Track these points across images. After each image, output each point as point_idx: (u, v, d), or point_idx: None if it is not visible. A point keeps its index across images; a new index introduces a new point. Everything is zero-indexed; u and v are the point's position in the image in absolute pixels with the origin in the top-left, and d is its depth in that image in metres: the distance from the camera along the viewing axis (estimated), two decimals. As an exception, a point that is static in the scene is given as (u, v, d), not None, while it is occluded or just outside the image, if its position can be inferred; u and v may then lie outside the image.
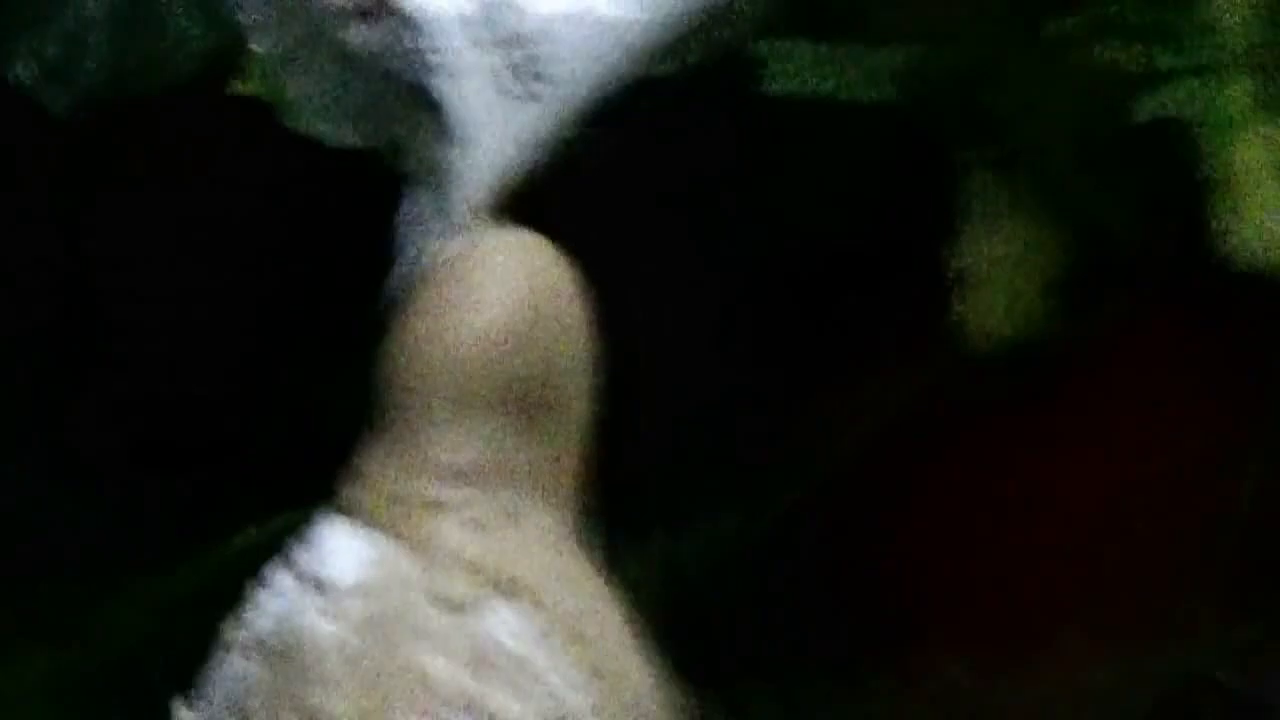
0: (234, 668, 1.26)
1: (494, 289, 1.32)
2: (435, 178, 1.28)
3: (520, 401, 1.26)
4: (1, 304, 2.67)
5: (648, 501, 2.39)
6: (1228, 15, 2.29)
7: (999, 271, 2.30)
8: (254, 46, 1.89)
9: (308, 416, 2.52)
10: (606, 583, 1.29)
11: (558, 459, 1.32)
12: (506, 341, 1.29)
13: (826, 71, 2.30)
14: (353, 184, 2.24)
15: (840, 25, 2.34)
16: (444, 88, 1.32)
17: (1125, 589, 2.44)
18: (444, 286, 1.33)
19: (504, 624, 1.23)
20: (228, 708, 1.25)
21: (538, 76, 1.33)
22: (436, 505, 1.24)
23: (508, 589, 1.23)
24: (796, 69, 2.28)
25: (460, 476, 1.24)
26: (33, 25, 2.29)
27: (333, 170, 2.20)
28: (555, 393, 1.31)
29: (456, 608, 1.23)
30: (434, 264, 1.34)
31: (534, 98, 1.32)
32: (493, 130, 1.30)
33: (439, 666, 1.21)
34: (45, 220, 2.72)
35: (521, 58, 1.34)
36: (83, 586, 2.43)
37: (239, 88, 2.15)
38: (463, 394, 1.24)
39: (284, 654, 1.24)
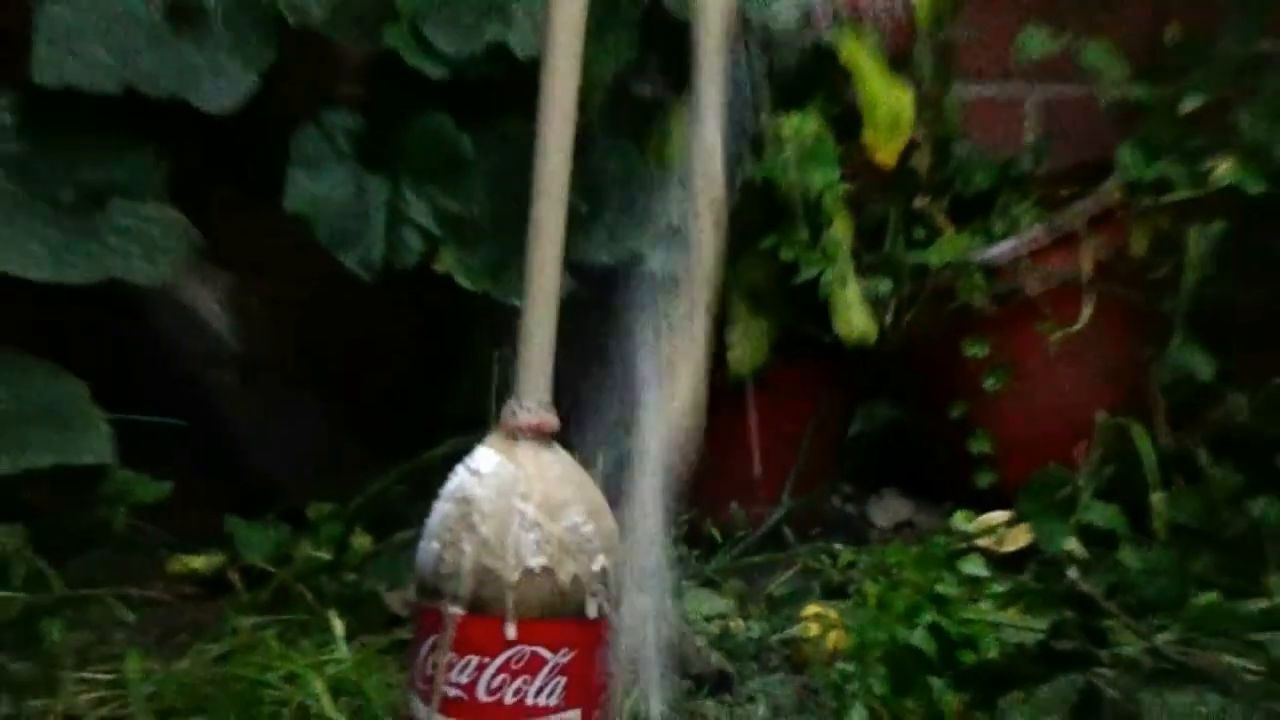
0: (441, 509, 1.84)
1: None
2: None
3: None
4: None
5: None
6: (840, 236, 2.99)
7: (744, 340, 3.01)
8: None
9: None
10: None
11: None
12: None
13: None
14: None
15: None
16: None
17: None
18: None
19: (559, 501, 1.79)
20: (437, 528, 1.83)
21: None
22: (515, 433, 1.82)
23: (562, 496, 1.79)
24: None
25: (528, 422, 1.82)
26: (351, 240, 2.91)
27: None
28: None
29: (535, 479, 1.79)
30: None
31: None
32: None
33: (526, 510, 1.77)
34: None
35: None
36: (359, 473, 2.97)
37: (437, 267, 2.91)
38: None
39: (461, 502, 1.82)
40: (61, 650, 2.58)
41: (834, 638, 2.66)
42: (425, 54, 2.92)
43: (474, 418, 2.34)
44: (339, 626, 2.57)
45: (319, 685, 2.37)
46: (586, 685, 1.77)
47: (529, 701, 1.72)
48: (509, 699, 1.72)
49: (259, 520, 2.98)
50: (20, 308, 3.03)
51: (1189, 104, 3.10)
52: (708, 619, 2.78)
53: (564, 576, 1.74)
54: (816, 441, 3.17)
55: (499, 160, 2.91)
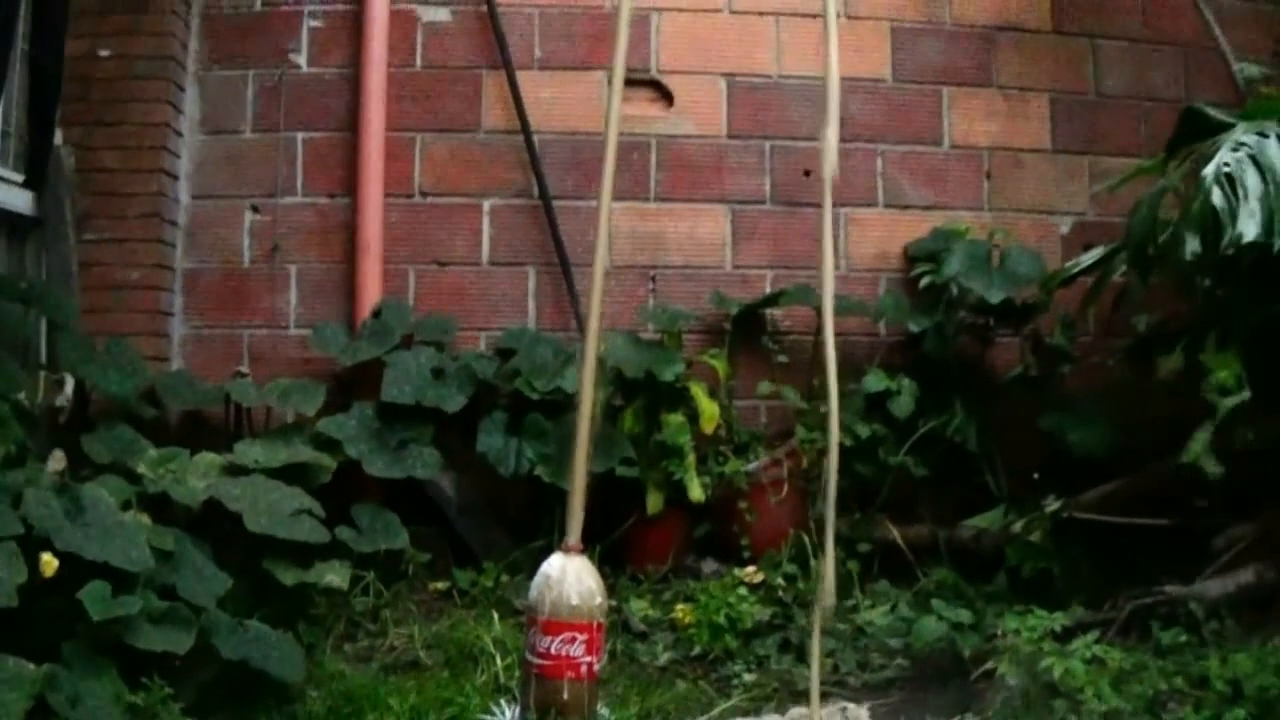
0: (537, 578, 1.99)
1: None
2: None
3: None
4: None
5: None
6: (690, 461, 2.97)
7: (653, 499, 3.01)
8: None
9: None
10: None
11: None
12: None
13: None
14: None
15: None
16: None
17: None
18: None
19: (584, 580, 1.99)
20: (535, 584, 2.00)
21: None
22: (568, 551, 1.99)
23: (585, 578, 1.97)
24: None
25: (572, 545, 1.99)
26: (502, 461, 2.96)
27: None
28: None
29: (575, 571, 1.98)
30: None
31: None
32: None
33: (570, 582, 1.97)
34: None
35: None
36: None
37: (535, 473, 2.90)
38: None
39: (545, 576, 2.00)
40: (388, 621, 2.74)
41: (688, 619, 2.77)
42: (531, 389, 3.08)
43: (551, 531, 2.68)
44: (496, 616, 2.72)
45: (488, 639, 2.56)
46: (594, 647, 1.98)
47: (571, 654, 1.96)
48: (564, 653, 1.97)
49: (464, 568, 3.05)
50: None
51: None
52: (636, 611, 2.86)
53: (585, 607, 1.98)
54: (681, 540, 3.13)
55: (561, 430, 2.97)
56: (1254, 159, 2.33)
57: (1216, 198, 2.29)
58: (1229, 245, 2.24)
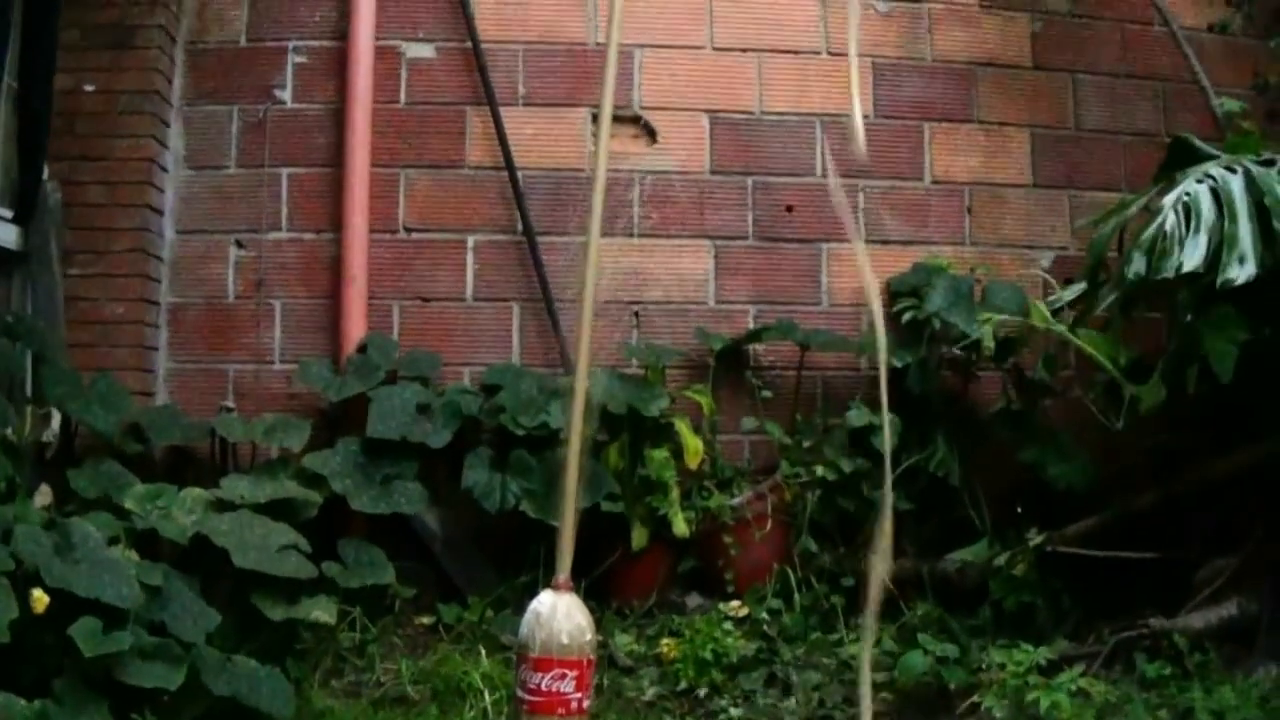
0: (527, 616, 1.99)
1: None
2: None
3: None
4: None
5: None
6: (675, 495, 2.99)
7: (638, 534, 3.01)
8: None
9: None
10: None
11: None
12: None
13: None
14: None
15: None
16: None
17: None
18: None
19: (574, 617, 1.98)
20: (525, 621, 1.98)
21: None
22: (558, 588, 1.97)
23: (575, 614, 1.96)
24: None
25: (562, 582, 1.97)
26: (487, 496, 2.95)
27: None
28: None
29: (565, 608, 1.96)
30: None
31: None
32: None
33: (560, 619, 1.96)
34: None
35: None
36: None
37: (521, 508, 2.91)
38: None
39: (535, 614, 1.98)
40: (375, 656, 2.76)
41: (674, 653, 2.80)
42: (516, 425, 3.08)
43: (536, 565, 2.76)
44: (483, 651, 2.73)
45: (476, 675, 2.58)
46: (584, 684, 1.99)
47: (561, 690, 1.96)
48: (554, 689, 1.97)
49: (450, 603, 3.06)
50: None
51: (805, 442, 3.18)
52: (621, 646, 2.89)
53: (575, 644, 1.98)
54: (665, 574, 3.15)
55: (546, 468, 3.00)
56: (1215, 191, 2.36)
57: (1170, 224, 2.34)
58: (1170, 271, 2.30)
